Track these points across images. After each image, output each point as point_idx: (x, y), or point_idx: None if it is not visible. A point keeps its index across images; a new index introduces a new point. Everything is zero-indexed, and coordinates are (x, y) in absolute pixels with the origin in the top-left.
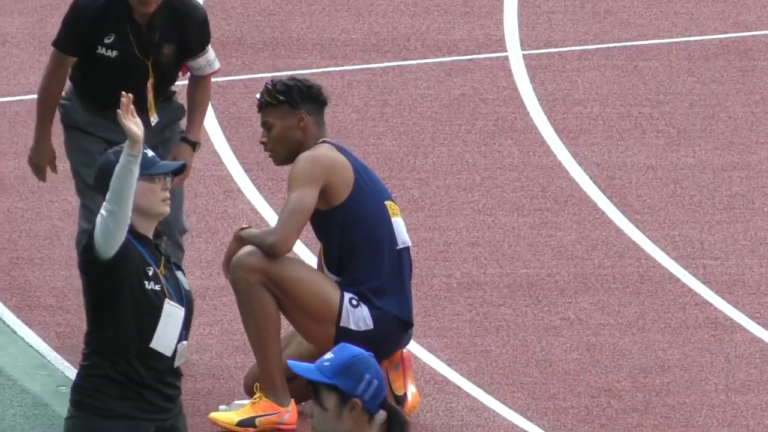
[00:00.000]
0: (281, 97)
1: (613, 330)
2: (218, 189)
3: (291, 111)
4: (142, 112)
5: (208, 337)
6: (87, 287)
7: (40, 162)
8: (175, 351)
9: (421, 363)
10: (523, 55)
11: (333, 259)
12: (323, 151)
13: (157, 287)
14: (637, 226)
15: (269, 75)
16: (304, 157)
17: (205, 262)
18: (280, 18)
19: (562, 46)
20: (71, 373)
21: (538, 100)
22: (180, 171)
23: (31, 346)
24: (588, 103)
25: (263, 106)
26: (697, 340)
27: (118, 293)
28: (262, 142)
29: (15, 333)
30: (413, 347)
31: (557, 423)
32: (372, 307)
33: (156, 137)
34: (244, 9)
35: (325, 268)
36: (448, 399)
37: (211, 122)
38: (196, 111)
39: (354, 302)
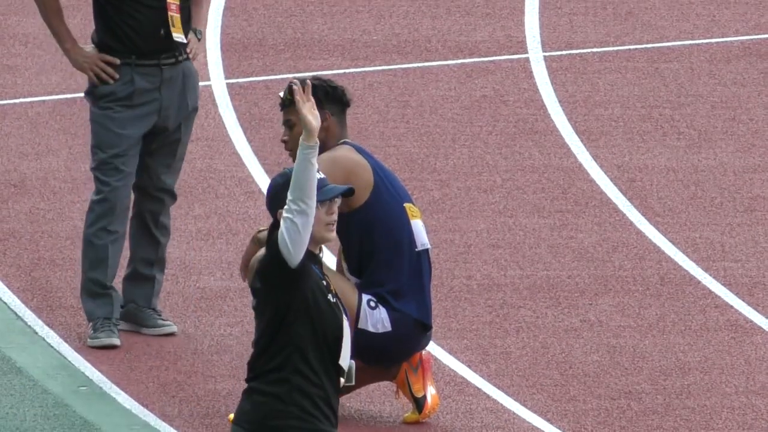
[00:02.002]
0: None
1: (633, 332)
2: (239, 190)
3: None
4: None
5: (229, 338)
6: (269, 303)
7: (87, 56)
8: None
9: (441, 364)
10: (544, 56)
11: (353, 261)
12: (343, 152)
13: (335, 300)
14: (657, 228)
15: (290, 76)
16: (324, 158)
17: (226, 263)
18: (302, 19)
19: (583, 48)
20: (92, 373)
21: (559, 101)
22: (347, 194)
23: (52, 347)
24: (609, 105)
25: (287, 104)
26: (717, 342)
27: (307, 304)
28: (284, 141)
29: (36, 333)
30: (433, 349)
31: (577, 425)
32: (390, 309)
33: (180, 111)
34: (266, 10)
35: (345, 270)
36: (468, 401)
37: (232, 123)
38: (198, 3)
39: (372, 304)
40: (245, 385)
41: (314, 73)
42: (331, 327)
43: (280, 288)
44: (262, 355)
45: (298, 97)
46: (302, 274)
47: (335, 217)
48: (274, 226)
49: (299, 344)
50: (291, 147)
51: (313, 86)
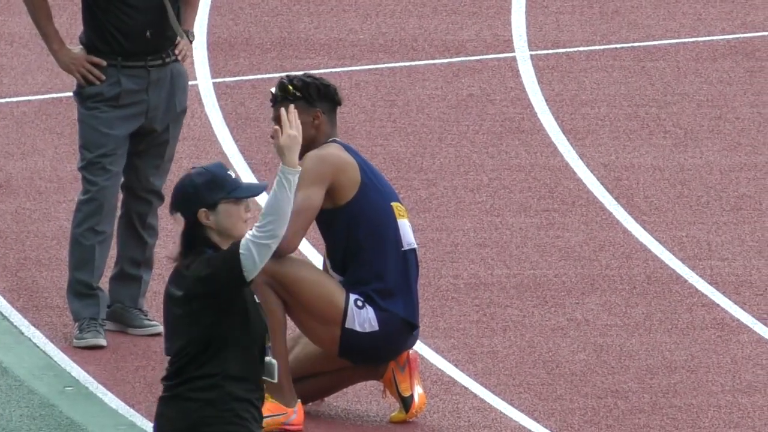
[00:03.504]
0: (298, 93)
1: (620, 331)
2: None
3: (307, 108)
4: (165, 38)
5: None
6: (208, 308)
7: (74, 58)
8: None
9: (428, 364)
10: (531, 55)
11: (337, 259)
12: (331, 150)
13: (257, 300)
14: (644, 227)
15: (277, 75)
16: (312, 156)
17: None
18: (288, 18)
19: (569, 47)
20: (78, 373)
21: (546, 100)
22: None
23: (38, 347)
24: (595, 103)
25: (279, 100)
26: (703, 341)
27: (245, 308)
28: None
29: (22, 334)
30: (420, 348)
31: (564, 424)
32: (378, 309)
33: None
34: (252, 9)
35: (329, 268)
36: (455, 400)
37: (218, 123)
38: (189, 4)
39: (359, 303)
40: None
41: (299, 73)
42: (261, 328)
43: (227, 296)
44: (192, 361)
45: (275, 128)
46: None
47: (250, 214)
48: (192, 227)
49: (234, 348)
50: None
51: (306, 83)
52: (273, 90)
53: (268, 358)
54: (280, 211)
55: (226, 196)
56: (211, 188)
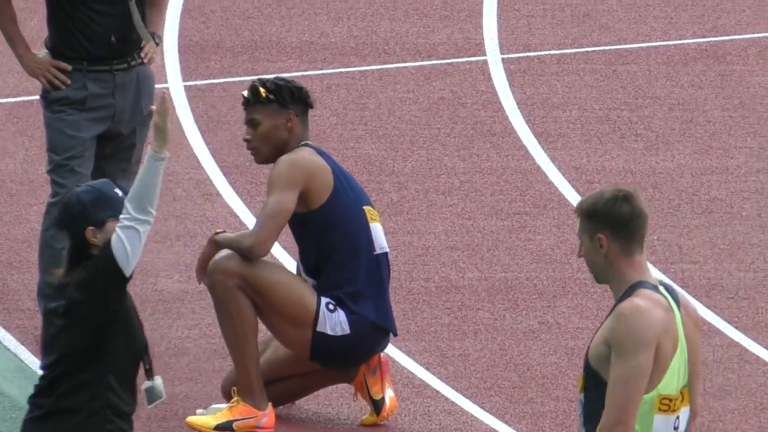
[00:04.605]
0: (271, 96)
1: (591, 334)
2: (197, 192)
3: (280, 110)
4: (130, 42)
5: (187, 341)
6: (91, 315)
7: (39, 63)
8: None
9: (399, 367)
10: (502, 59)
11: (310, 263)
12: (303, 154)
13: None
14: None
15: (248, 78)
16: (284, 160)
17: (184, 265)
18: (259, 21)
19: (541, 50)
20: None
21: (517, 104)
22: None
23: (8, 350)
24: (567, 107)
25: (251, 102)
26: None
27: (127, 315)
28: (246, 140)
29: None
30: (391, 351)
31: (535, 427)
32: (349, 312)
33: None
34: (223, 12)
35: (302, 272)
36: (426, 403)
37: (189, 125)
38: (156, 6)
39: (331, 307)
40: (203, 389)
41: (270, 76)
42: (141, 338)
43: (109, 299)
44: (68, 373)
45: (164, 106)
46: (128, 283)
47: None
48: (78, 245)
49: (114, 358)
50: (254, 146)
51: (278, 86)
52: (245, 93)
53: (148, 383)
54: (143, 194)
55: (113, 214)
56: (98, 206)
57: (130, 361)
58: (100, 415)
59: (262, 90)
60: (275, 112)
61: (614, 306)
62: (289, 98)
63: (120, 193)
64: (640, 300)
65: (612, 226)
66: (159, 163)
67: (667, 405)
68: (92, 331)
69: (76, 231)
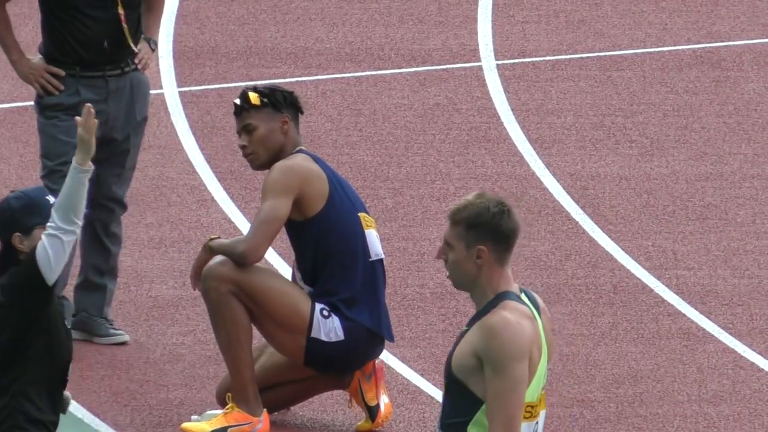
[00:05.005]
0: (265, 100)
1: (586, 340)
2: (191, 198)
3: (274, 114)
4: (123, 48)
5: (181, 347)
6: (11, 320)
7: (33, 68)
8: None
9: (394, 373)
10: (497, 65)
11: (307, 270)
12: (298, 161)
13: (68, 326)
14: (610, 237)
15: (243, 84)
16: (279, 166)
17: (178, 271)
18: (254, 27)
19: (535, 56)
20: None
21: (512, 110)
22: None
23: None
24: (561, 113)
25: (245, 109)
26: (669, 350)
27: (50, 324)
28: (242, 146)
29: None
30: (386, 357)
31: None
32: (343, 318)
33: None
34: (219, 18)
35: (299, 280)
36: (421, 409)
37: (184, 131)
38: (152, 11)
39: (325, 313)
40: (197, 395)
41: (267, 82)
42: (65, 349)
43: (30, 305)
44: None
45: (89, 120)
46: (53, 292)
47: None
48: (7, 251)
49: (32, 365)
50: (252, 151)
51: (271, 90)
52: (236, 101)
53: (66, 393)
54: (68, 205)
55: (41, 221)
56: (27, 213)
57: (50, 370)
58: (11, 419)
59: (255, 95)
60: (270, 116)
61: (476, 315)
62: (283, 101)
63: (52, 200)
64: (507, 313)
65: (495, 239)
66: (83, 175)
67: (530, 412)
68: (8, 336)
69: (4, 236)
